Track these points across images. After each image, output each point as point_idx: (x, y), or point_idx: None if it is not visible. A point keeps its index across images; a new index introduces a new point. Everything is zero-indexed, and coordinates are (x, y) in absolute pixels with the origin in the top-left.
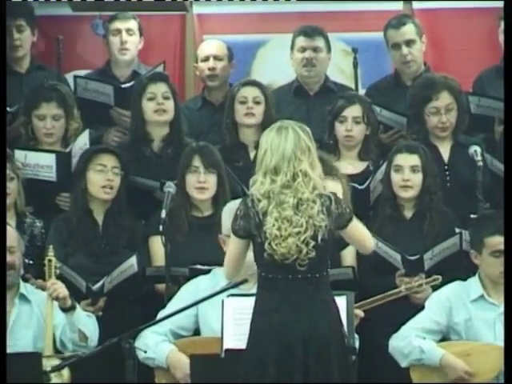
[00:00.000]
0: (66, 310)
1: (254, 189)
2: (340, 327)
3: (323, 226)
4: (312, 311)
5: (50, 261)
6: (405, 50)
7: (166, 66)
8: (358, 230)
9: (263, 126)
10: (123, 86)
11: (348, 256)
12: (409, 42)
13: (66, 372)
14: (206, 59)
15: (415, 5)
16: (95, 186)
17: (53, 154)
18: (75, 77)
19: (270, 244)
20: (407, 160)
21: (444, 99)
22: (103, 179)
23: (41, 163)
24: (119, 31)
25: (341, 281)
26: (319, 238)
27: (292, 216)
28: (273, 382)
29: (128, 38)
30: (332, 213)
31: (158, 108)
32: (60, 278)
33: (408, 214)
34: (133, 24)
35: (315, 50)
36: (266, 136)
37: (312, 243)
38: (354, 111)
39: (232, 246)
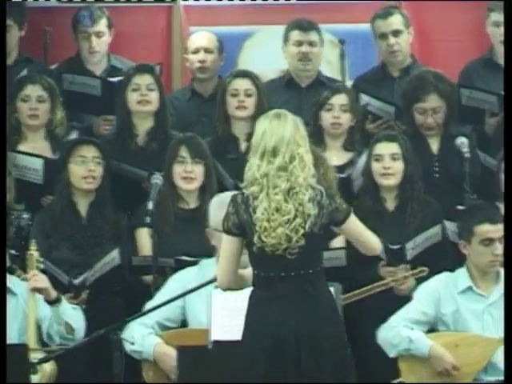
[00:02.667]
0: (51, 302)
1: (250, 174)
2: (336, 323)
3: (312, 215)
4: (304, 307)
5: (31, 255)
6: (391, 40)
7: (153, 58)
8: (357, 227)
9: (255, 118)
10: (111, 79)
11: (336, 245)
12: (396, 33)
13: (51, 364)
14: (196, 51)
15: None
16: (77, 177)
17: (41, 159)
18: (61, 73)
19: (259, 237)
20: (387, 148)
21: (431, 102)
22: (84, 170)
23: (28, 166)
24: (89, 34)
25: (332, 268)
26: (307, 226)
27: (282, 203)
28: (265, 375)
29: (97, 40)
30: (324, 207)
31: (142, 99)
32: (42, 272)
33: (390, 206)
34: (102, 24)
35: (311, 44)
36: (264, 121)
37: (301, 231)
38: (340, 99)
39: (226, 246)
